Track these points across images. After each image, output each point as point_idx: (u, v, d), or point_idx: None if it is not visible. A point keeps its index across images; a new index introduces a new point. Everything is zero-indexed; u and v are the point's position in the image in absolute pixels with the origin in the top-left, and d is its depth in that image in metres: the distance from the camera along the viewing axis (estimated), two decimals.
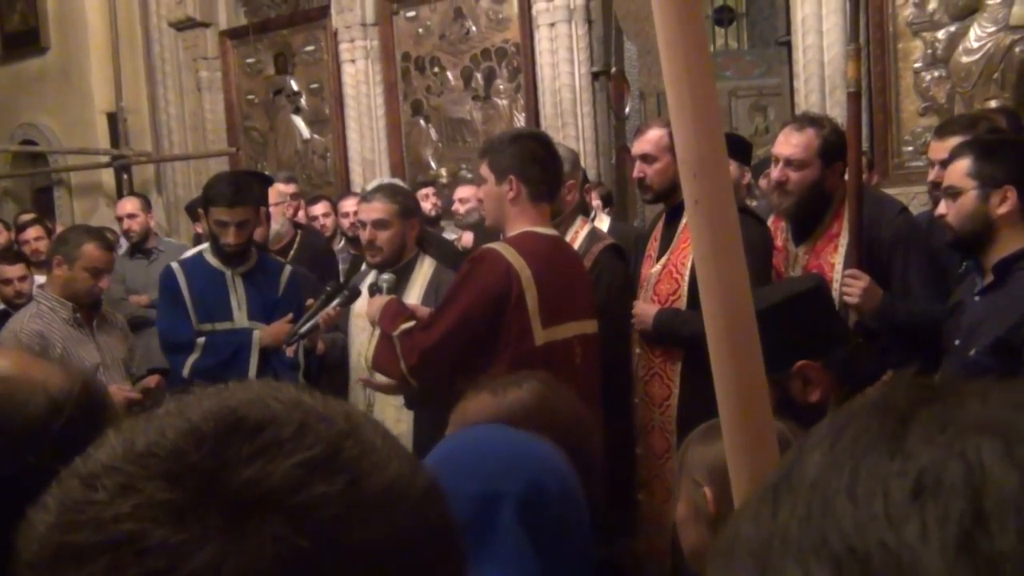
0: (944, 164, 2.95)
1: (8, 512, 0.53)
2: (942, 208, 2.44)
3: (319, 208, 5.50)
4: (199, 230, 4.72)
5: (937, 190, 3.00)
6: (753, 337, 0.95)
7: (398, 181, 4.39)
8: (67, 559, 0.48)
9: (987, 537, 0.31)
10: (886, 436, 0.35)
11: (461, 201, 5.15)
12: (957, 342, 2.43)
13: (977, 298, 2.45)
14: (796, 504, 0.35)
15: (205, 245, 3.66)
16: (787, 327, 1.61)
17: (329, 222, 5.45)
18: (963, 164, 2.40)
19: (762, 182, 5.87)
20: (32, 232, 5.76)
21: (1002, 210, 2.34)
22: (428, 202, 5.22)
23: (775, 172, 2.94)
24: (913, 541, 0.31)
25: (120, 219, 5.56)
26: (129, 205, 5.66)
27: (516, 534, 0.97)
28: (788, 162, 2.92)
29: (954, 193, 2.41)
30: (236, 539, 0.47)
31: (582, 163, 5.03)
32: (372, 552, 0.51)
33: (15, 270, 4.75)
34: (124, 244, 5.58)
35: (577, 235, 3.26)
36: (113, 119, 7.87)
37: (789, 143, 2.94)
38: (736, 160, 3.92)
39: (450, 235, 5.25)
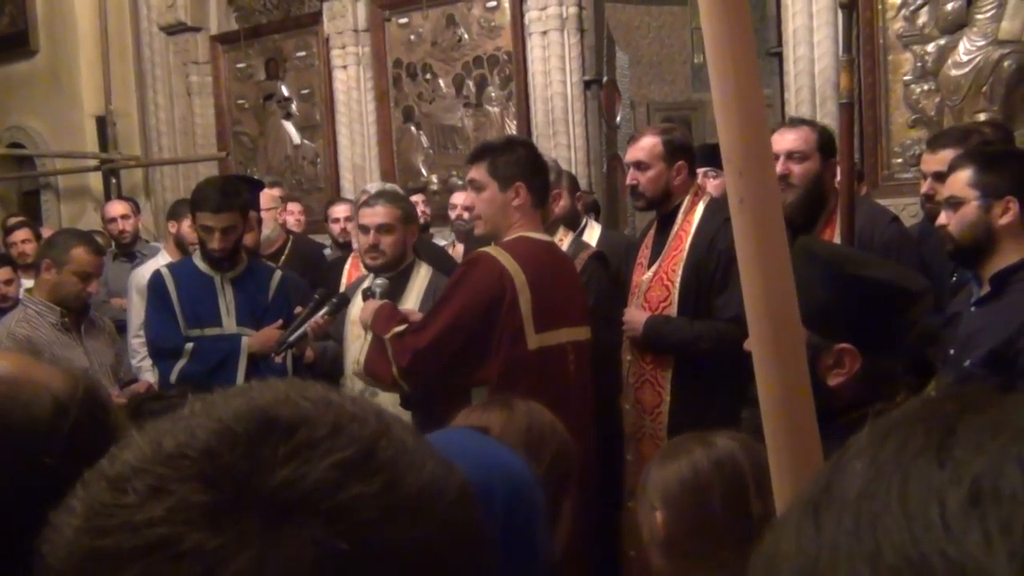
0: (937, 176, 2.97)
1: (28, 514, 0.52)
2: (942, 219, 2.44)
3: (341, 210, 5.34)
4: (172, 230, 4.69)
5: (930, 202, 3.02)
6: (799, 341, 0.93)
7: (388, 187, 4.37)
8: (98, 564, 0.47)
9: None
10: (932, 445, 0.34)
11: (464, 208, 5.11)
12: (952, 352, 2.44)
13: (973, 309, 2.46)
14: (842, 517, 0.34)
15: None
16: (868, 306, 1.55)
17: (351, 226, 5.33)
18: (964, 174, 2.40)
19: None
20: (20, 235, 5.71)
21: (1004, 221, 2.34)
22: (418, 209, 5.18)
23: (777, 166, 2.95)
24: (976, 550, 0.30)
25: (114, 220, 5.52)
26: (120, 207, 5.63)
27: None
28: (789, 155, 2.96)
29: (955, 203, 2.40)
30: (274, 543, 0.46)
31: (573, 171, 5.05)
32: (410, 553, 0.49)
33: (2, 273, 4.71)
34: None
35: (561, 243, 3.27)
36: (102, 123, 7.83)
37: (787, 138, 3.00)
38: (720, 167, 3.95)
39: (441, 242, 5.23)
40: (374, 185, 4.48)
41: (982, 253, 2.39)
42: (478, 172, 2.74)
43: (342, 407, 0.52)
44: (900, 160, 4.88)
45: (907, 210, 4.40)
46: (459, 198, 5.19)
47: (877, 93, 4.88)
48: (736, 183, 0.92)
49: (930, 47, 4.75)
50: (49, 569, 0.48)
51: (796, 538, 0.35)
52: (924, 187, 3.03)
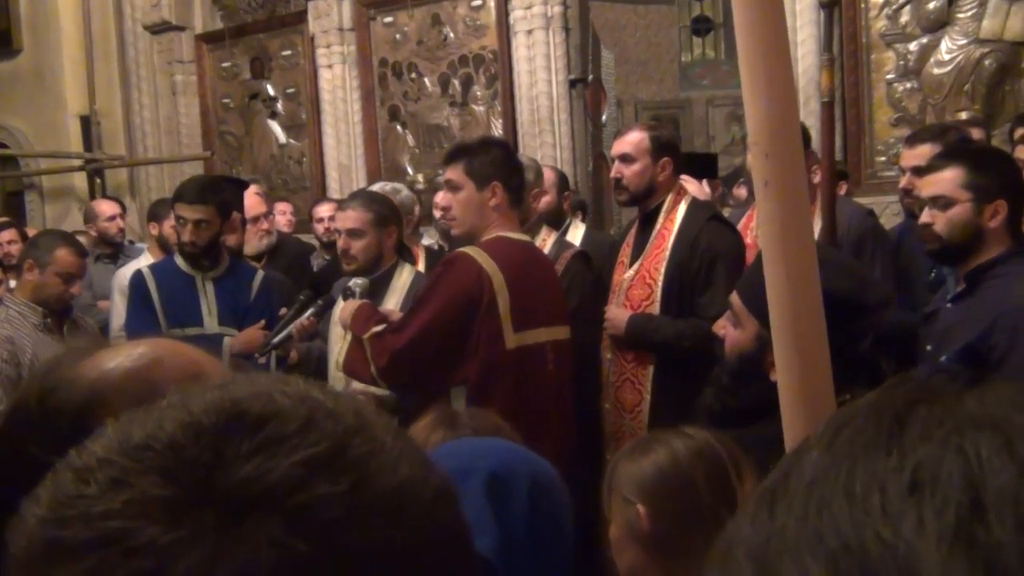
0: (915, 171, 3.00)
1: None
2: (926, 217, 2.43)
3: (324, 210, 5.34)
4: (153, 231, 4.67)
5: (908, 197, 3.05)
6: (821, 324, 0.92)
7: (402, 188, 4.29)
8: (55, 556, 0.46)
9: (984, 528, 0.30)
10: (883, 434, 0.35)
11: (441, 208, 5.09)
12: (929, 347, 2.46)
13: (949, 305, 2.48)
14: (793, 504, 0.35)
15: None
16: (827, 313, 1.56)
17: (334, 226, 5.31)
18: (956, 175, 2.39)
19: (736, 191, 5.90)
20: (6, 235, 5.68)
21: (993, 223, 2.35)
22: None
23: None
24: (909, 534, 0.31)
25: (112, 218, 5.51)
26: (114, 206, 5.62)
27: (479, 501, 0.99)
28: None
29: (945, 203, 2.39)
30: (229, 541, 0.44)
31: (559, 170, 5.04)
32: (376, 558, 0.48)
33: None
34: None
35: (544, 243, 3.27)
36: (86, 122, 7.78)
37: None
38: (707, 177, 4.00)
39: (426, 241, 5.21)
40: (391, 186, 4.41)
41: (967, 253, 2.41)
42: (454, 172, 2.74)
43: (319, 402, 0.51)
44: (883, 158, 4.90)
45: (890, 208, 4.42)
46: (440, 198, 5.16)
47: (860, 92, 4.90)
48: (762, 165, 0.91)
49: (912, 46, 4.77)
50: (11, 559, 0.48)
51: (752, 524, 0.36)
52: (903, 182, 3.06)
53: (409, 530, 0.49)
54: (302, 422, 0.49)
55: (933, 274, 2.94)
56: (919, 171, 2.98)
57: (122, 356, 0.90)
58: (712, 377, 2.06)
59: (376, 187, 3.96)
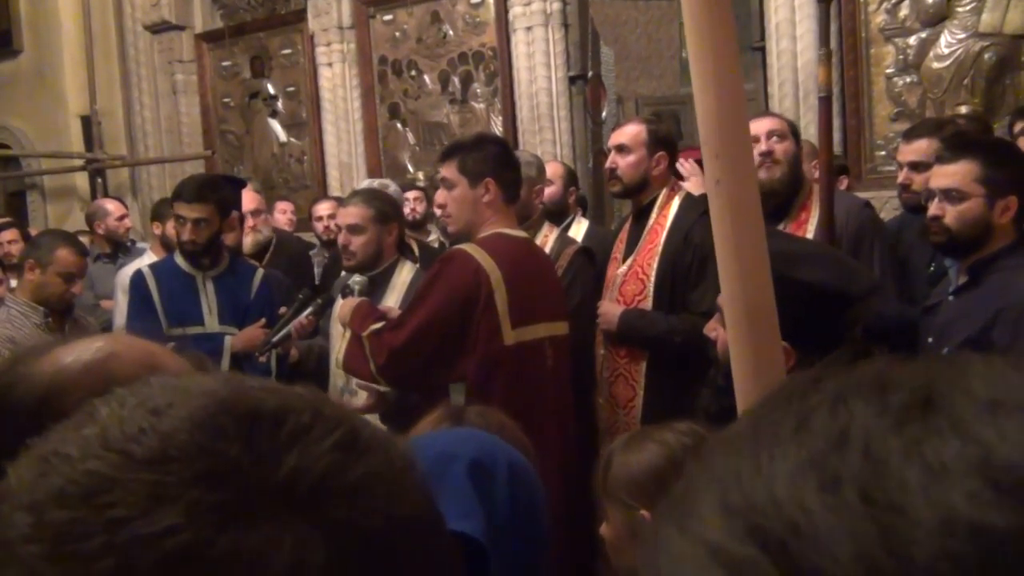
0: (912, 166, 2.99)
1: None
2: (936, 209, 2.40)
3: (324, 208, 5.35)
4: (156, 231, 4.69)
5: (907, 192, 3.05)
6: (773, 321, 0.92)
7: (390, 184, 4.31)
8: None
9: (840, 459, 0.33)
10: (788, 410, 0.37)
11: (437, 206, 5.09)
12: (930, 340, 2.45)
13: (951, 298, 2.47)
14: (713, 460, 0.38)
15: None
16: (800, 307, 1.52)
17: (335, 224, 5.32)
18: (971, 168, 2.36)
19: None
20: (7, 235, 5.70)
21: (1003, 219, 2.35)
22: (420, 205, 5.13)
23: (762, 146, 3.02)
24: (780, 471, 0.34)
25: (123, 216, 5.54)
26: (118, 206, 5.66)
27: (464, 487, 1.00)
28: (770, 134, 3.06)
29: (957, 197, 2.36)
30: (305, 532, 0.44)
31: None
32: (421, 522, 0.50)
33: None
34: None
35: (547, 239, 3.27)
36: (87, 122, 7.80)
37: (764, 121, 3.11)
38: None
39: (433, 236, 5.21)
40: (379, 181, 4.42)
41: (974, 247, 2.40)
42: (448, 170, 2.75)
43: (297, 392, 0.52)
44: (883, 153, 4.89)
45: (890, 203, 4.41)
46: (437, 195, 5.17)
47: (860, 86, 4.89)
48: (712, 164, 0.93)
49: (912, 40, 4.76)
50: None
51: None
52: (900, 177, 3.06)
53: (427, 493, 0.52)
54: (311, 412, 0.49)
55: (932, 267, 2.93)
56: (916, 166, 2.98)
57: (79, 351, 0.91)
58: (708, 378, 2.06)
59: (364, 184, 3.98)
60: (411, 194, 5.13)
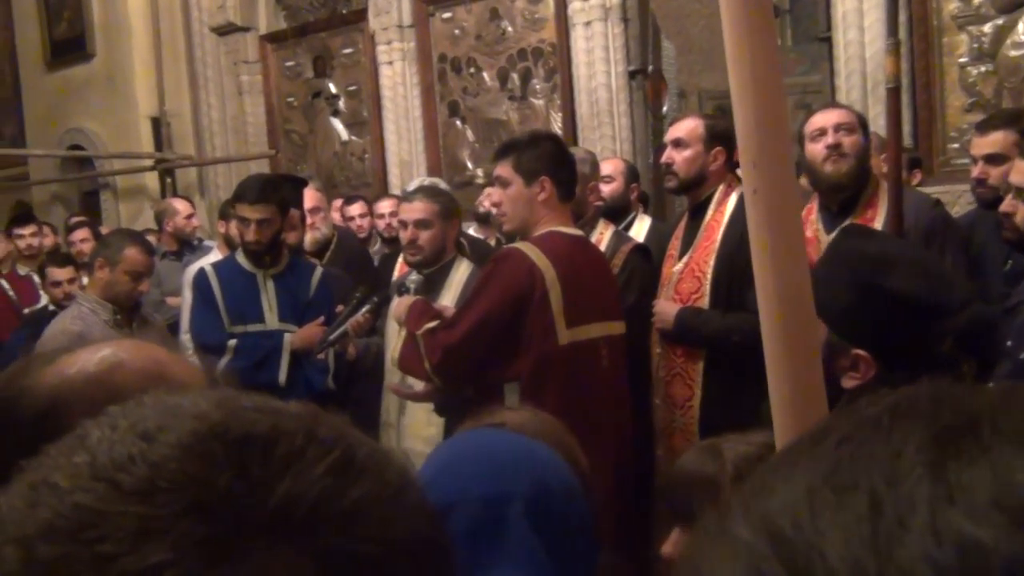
0: (988, 159, 2.88)
1: None
2: (1008, 206, 2.34)
3: (356, 208, 5.52)
4: (222, 229, 4.78)
5: (981, 187, 2.93)
6: (812, 337, 0.89)
7: (439, 181, 4.35)
8: None
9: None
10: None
11: (492, 205, 5.11)
12: (1009, 343, 2.36)
13: None
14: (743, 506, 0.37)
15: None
16: (890, 317, 1.49)
17: (366, 223, 5.47)
18: None
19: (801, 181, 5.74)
20: (80, 234, 5.89)
21: None
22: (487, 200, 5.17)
23: (829, 139, 2.95)
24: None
25: (190, 216, 5.71)
26: (186, 206, 5.84)
27: (526, 534, 0.96)
28: (837, 127, 2.97)
29: None
30: (295, 560, 0.43)
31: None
32: (418, 544, 0.48)
33: (64, 272, 4.85)
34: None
35: (602, 237, 3.23)
36: (157, 123, 8.01)
37: (833, 113, 3.03)
38: None
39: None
40: (418, 180, 4.48)
41: None
42: (503, 168, 2.74)
43: (289, 411, 0.50)
44: (956, 145, 4.72)
45: (964, 197, 4.25)
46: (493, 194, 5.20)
47: (931, 77, 4.73)
48: (750, 173, 0.90)
49: (987, 27, 4.58)
50: None
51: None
52: (975, 171, 2.95)
53: (425, 511, 0.51)
54: (304, 434, 0.47)
55: (1009, 264, 2.82)
56: (991, 159, 2.86)
57: (83, 361, 0.89)
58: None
59: (415, 183, 3.99)
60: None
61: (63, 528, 0.43)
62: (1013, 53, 4.53)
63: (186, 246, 5.65)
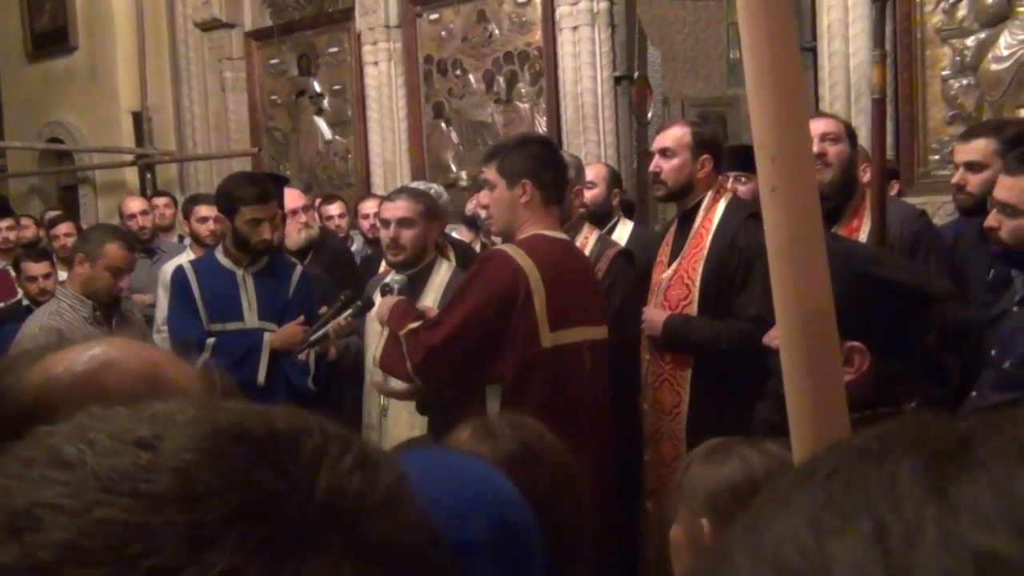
0: (968, 166, 2.91)
1: None
2: (993, 220, 2.36)
3: (334, 208, 5.48)
4: (186, 228, 4.74)
5: (961, 192, 2.96)
6: (833, 339, 0.84)
7: (432, 187, 4.29)
8: None
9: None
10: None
11: (481, 207, 5.09)
12: (994, 352, 2.38)
13: (1015, 308, 2.40)
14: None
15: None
16: (881, 306, 1.52)
17: (344, 223, 5.43)
18: None
19: None
20: (63, 228, 5.80)
21: None
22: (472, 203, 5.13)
23: (814, 148, 2.95)
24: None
25: (132, 216, 5.61)
26: (137, 203, 5.74)
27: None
28: (823, 136, 2.99)
29: (1014, 212, 2.31)
30: (353, 555, 0.42)
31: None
32: (436, 532, 0.49)
33: (40, 267, 4.79)
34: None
35: (587, 241, 3.23)
36: (138, 118, 7.94)
37: (819, 123, 3.04)
38: (754, 171, 3.89)
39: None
40: (425, 185, 4.42)
41: None
42: (490, 171, 2.75)
43: (289, 412, 0.49)
44: (937, 157, 4.76)
45: (944, 208, 4.29)
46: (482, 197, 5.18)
47: (914, 89, 4.76)
48: (768, 170, 0.83)
49: (969, 41, 4.62)
50: None
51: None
52: (956, 177, 2.98)
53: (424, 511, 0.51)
54: (319, 430, 0.47)
55: (992, 273, 2.85)
56: (972, 167, 2.89)
57: (71, 359, 0.85)
58: (767, 389, 2.01)
59: (413, 185, 3.96)
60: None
61: (92, 548, 0.39)
62: (994, 67, 4.57)
63: (147, 243, 5.54)
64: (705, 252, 2.96)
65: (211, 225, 4.66)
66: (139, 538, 0.39)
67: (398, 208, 3.23)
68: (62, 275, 4.54)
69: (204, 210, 4.78)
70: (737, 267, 2.88)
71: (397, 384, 2.90)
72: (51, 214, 6.76)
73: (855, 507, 0.32)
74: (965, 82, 4.65)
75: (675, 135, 3.11)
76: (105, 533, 0.39)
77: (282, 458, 0.43)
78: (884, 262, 1.62)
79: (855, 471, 0.34)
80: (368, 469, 0.46)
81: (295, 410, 0.49)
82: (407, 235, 3.20)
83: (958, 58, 4.66)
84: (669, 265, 3.08)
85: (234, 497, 0.41)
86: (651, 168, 3.17)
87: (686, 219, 3.10)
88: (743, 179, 3.92)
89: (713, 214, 3.02)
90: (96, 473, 0.42)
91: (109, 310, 3.62)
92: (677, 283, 3.01)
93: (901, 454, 0.34)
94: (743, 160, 3.65)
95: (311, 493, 0.43)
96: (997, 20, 4.55)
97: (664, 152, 3.09)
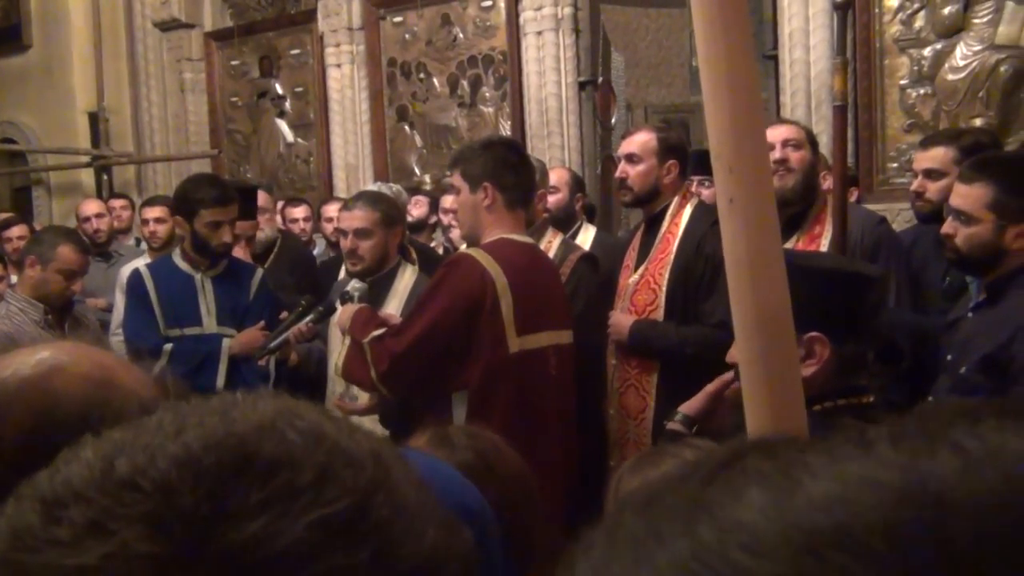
0: (927, 174, 2.95)
1: None
2: (948, 228, 2.37)
3: (299, 211, 5.42)
4: (142, 232, 4.65)
5: (920, 199, 3.00)
6: (792, 352, 0.83)
7: (392, 187, 4.26)
8: None
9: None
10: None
11: (448, 211, 5.06)
12: (950, 357, 2.41)
13: (971, 314, 2.43)
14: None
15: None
16: (826, 293, 1.58)
17: (308, 226, 5.37)
18: (983, 193, 2.30)
19: None
20: (16, 231, 5.64)
21: (1017, 244, 2.29)
22: (420, 209, 5.09)
23: (776, 154, 2.97)
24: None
25: (87, 219, 5.47)
26: (94, 206, 5.59)
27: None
28: (785, 143, 3.01)
29: (968, 219, 2.32)
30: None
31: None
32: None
33: None
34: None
35: (550, 245, 3.22)
36: (94, 119, 7.78)
37: (780, 129, 3.06)
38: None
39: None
40: (387, 186, 4.38)
41: (985, 267, 2.37)
42: (454, 175, 2.73)
43: (336, 444, 0.43)
44: (895, 165, 4.83)
45: (902, 215, 4.35)
46: (446, 201, 5.15)
47: (873, 97, 4.83)
48: (725, 181, 0.82)
49: (927, 51, 4.70)
50: None
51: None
52: (914, 184, 3.02)
53: None
54: (319, 471, 0.41)
55: (948, 280, 2.89)
56: (930, 174, 2.94)
57: (19, 363, 0.81)
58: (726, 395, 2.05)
59: (373, 187, 3.93)
60: (417, 198, 5.12)
61: (50, 498, 0.41)
62: (951, 77, 4.65)
63: (101, 247, 5.42)
64: (672, 257, 2.97)
65: (152, 227, 4.59)
66: (67, 504, 0.40)
67: (355, 219, 3.18)
68: (15, 279, 4.42)
69: (147, 211, 4.70)
70: (703, 272, 2.89)
71: (361, 397, 2.86)
72: (3, 216, 6.59)
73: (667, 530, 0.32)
74: (923, 91, 4.73)
75: (641, 140, 3.11)
76: (62, 488, 0.42)
77: (235, 482, 0.41)
78: (819, 255, 1.70)
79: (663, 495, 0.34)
80: (333, 536, 0.41)
81: (343, 438, 0.44)
82: (365, 246, 3.15)
83: (916, 67, 4.74)
84: (636, 270, 3.08)
85: (154, 501, 0.41)
86: (617, 174, 3.16)
87: (653, 224, 3.10)
88: (707, 183, 3.93)
89: (680, 219, 3.03)
90: (123, 450, 0.43)
91: (61, 314, 3.53)
92: (644, 288, 3.01)
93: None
94: (708, 164, 3.66)
95: (228, 531, 0.40)
96: (953, 31, 4.63)
97: (630, 158, 3.09)
